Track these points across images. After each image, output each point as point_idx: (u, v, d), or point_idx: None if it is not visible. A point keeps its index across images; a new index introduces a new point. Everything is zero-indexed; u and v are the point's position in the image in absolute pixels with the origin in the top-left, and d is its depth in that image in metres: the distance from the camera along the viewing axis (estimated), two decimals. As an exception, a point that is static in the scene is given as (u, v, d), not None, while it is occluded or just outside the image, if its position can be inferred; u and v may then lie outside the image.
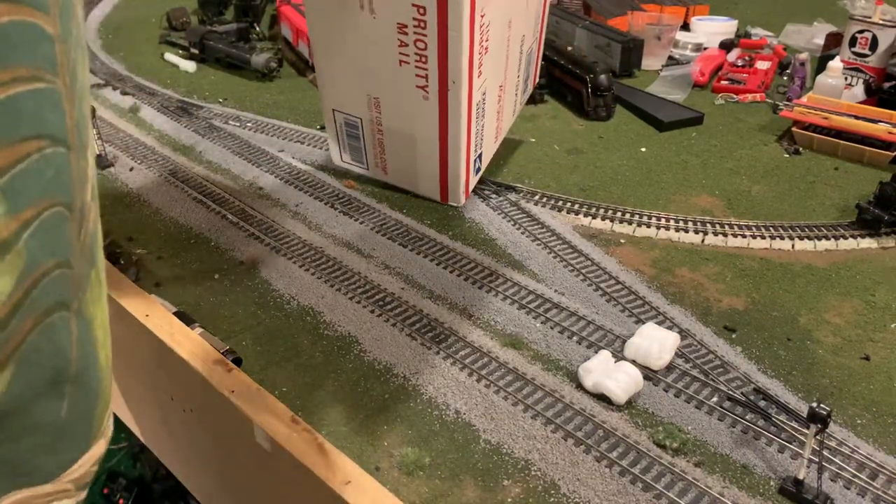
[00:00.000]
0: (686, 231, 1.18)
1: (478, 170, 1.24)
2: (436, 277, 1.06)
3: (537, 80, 1.48)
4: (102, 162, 1.37)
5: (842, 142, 1.40)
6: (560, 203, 1.25)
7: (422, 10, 1.00)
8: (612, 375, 0.85)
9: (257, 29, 2.08)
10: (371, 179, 1.31)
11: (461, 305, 1.01)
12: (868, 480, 0.76)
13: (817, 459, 0.74)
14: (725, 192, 1.29)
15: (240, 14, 2.09)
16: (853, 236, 1.16)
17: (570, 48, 1.72)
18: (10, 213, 0.35)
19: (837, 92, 1.50)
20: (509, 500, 0.75)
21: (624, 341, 0.93)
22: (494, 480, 0.76)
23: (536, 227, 1.18)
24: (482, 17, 1.02)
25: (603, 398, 0.86)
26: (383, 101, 1.15)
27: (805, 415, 0.73)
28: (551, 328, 0.97)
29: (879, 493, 0.75)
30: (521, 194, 1.27)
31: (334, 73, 1.18)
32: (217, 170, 1.37)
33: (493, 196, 1.26)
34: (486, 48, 1.08)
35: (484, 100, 1.14)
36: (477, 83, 1.09)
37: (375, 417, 0.84)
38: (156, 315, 0.92)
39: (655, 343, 0.90)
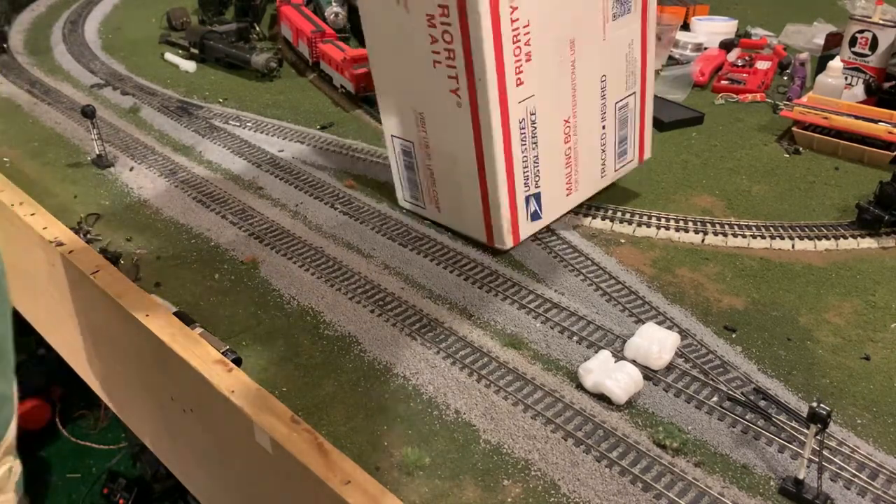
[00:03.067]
0: (686, 231, 1.18)
1: (534, 215, 1.11)
2: (436, 277, 1.06)
3: (646, 152, 1.27)
4: (102, 162, 1.37)
5: (842, 142, 1.40)
6: (560, 203, 1.25)
7: None
8: (612, 375, 0.85)
9: (257, 29, 2.08)
10: (433, 223, 1.19)
11: (461, 305, 1.01)
12: (868, 480, 0.76)
13: (817, 459, 0.74)
14: (725, 192, 1.29)
15: (240, 14, 2.08)
16: (853, 236, 1.16)
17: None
18: None
19: (837, 92, 1.50)
20: (509, 500, 0.75)
21: (624, 341, 0.93)
22: (494, 480, 0.76)
23: (536, 227, 1.18)
24: (512, 8, 0.94)
25: (603, 398, 0.86)
26: (426, 115, 1.07)
27: (805, 415, 0.73)
28: (551, 328, 0.97)
29: (879, 493, 0.75)
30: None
31: (388, 91, 1.12)
32: (217, 170, 1.37)
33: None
34: (529, 56, 0.98)
35: (534, 122, 1.03)
36: (515, 93, 0.99)
37: (375, 417, 0.84)
38: (156, 315, 0.92)
39: (655, 343, 0.90)
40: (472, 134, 1.02)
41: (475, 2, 0.91)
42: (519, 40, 0.97)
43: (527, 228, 1.11)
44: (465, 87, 0.99)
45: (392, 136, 1.15)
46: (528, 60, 0.99)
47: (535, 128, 1.04)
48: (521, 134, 1.03)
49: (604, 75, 1.11)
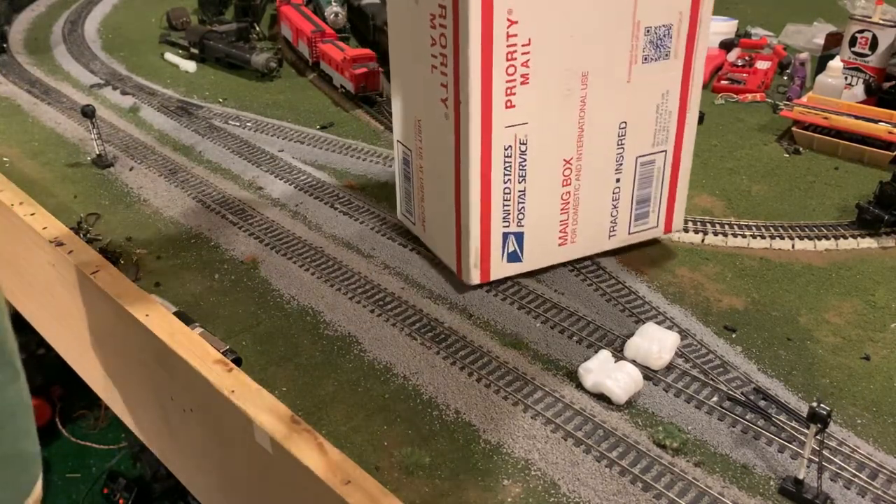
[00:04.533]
0: (686, 231, 1.18)
1: (512, 255, 1.01)
2: (436, 277, 1.06)
3: (675, 222, 1.12)
4: (102, 162, 1.37)
5: (842, 141, 1.40)
6: (560, 203, 1.24)
7: None
8: (612, 375, 0.85)
9: (257, 29, 2.08)
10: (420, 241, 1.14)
11: (461, 305, 1.01)
12: (868, 480, 0.76)
13: (817, 459, 0.74)
14: (725, 192, 1.29)
15: (240, 14, 2.09)
16: (853, 236, 1.16)
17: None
18: None
19: (837, 92, 1.50)
20: (509, 500, 0.75)
21: (624, 341, 0.93)
22: (494, 480, 0.76)
23: (536, 227, 1.18)
24: (510, 21, 0.87)
25: (603, 398, 0.86)
26: (423, 123, 1.01)
27: (805, 415, 0.73)
28: (551, 328, 0.97)
29: (879, 493, 0.74)
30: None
31: (398, 93, 1.07)
32: (217, 170, 1.37)
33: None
34: (525, 78, 0.91)
35: (523, 153, 0.95)
36: (502, 115, 0.91)
37: (375, 417, 0.84)
38: (156, 315, 0.92)
39: (655, 343, 0.90)
40: (454, 150, 0.95)
41: (466, 4, 0.85)
42: (515, 59, 0.89)
43: (500, 269, 1.01)
44: (452, 98, 0.92)
45: (398, 140, 1.10)
46: (523, 83, 0.91)
47: (525, 159, 0.96)
48: (506, 162, 0.95)
49: (623, 122, 1.00)
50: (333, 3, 1.97)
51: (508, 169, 0.95)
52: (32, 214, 1.15)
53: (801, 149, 1.44)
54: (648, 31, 0.96)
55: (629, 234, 1.09)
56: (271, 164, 1.38)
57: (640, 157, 1.04)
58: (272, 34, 2.10)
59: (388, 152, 1.41)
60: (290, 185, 1.31)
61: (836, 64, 1.51)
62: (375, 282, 1.05)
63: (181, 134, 1.50)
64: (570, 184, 1.00)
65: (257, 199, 1.26)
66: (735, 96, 1.68)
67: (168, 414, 0.99)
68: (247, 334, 0.97)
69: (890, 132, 1.35)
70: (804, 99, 1.49)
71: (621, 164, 1.03)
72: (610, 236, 1.08)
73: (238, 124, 1.54)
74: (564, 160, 0.99)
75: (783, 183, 1.33)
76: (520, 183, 0.97)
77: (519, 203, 0.98)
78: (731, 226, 1.19)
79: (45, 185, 1.32)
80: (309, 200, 1.26)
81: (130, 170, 1.37)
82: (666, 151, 1.06)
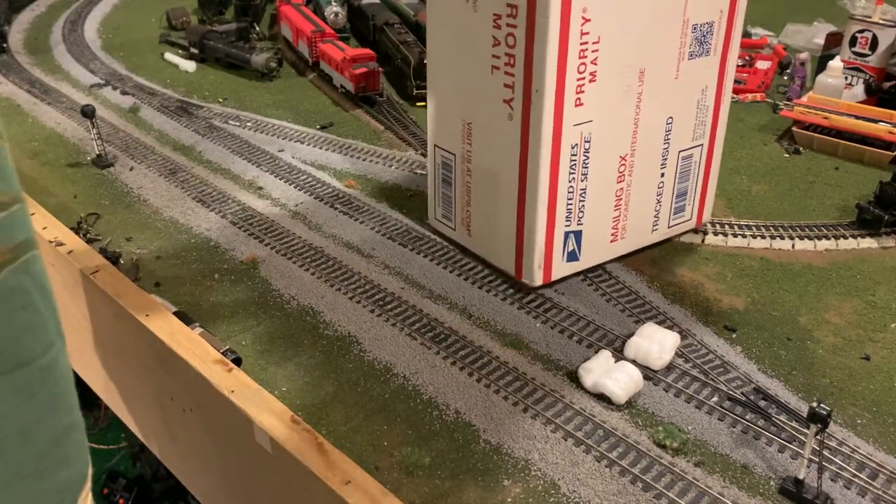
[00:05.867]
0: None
1: (571, 255, 1.02)
2: (436, 277, 1.06)
3: (706, 214, 1.16)
4: (102, 162, 1.37)
5: (842, 141, 1.40)
6: (560, 203, 1.24)
7: None
8: (612, 375, 0.86)
9: (257, 29, 2.08)
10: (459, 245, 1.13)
11: (461, 305, 1.01)
12: (868, 480, 0.76)
13: (817, 459, 0.74)
14: (725, 192, 1.29)
15: (240, 14, 2.08)
16: (853, 236, 1.16)
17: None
18: None
19: (838, 92, 1.50)
20: (509, 500, 0.75)
21: (624, 341, 0.93)
22: (494, 480, 0.76)
23: (536, 226, 1.18)
24: (584, 20, 0.88)
25: (603, 398, 0.86)
26: (475, 126, 1.00)
27: (805, 415, 0.73)
28: (551, 328, 0.97)
29: (879, 493, 0.75)
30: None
31: (440, 97, 1.06)
32: (217, 170, 1.37)
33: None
34: (593, 76, 0.91)
35: (587, 151, 0.95)
36: (572, 114, 0.92)
37: (375, 417, 0.84)
38: (156, 315, 0.92)
39: (655, 343, 0.90)
40: (519, 151, 0.94)
41: (546, 3, 0.85)
42: (586, 56, 0.90)
43: (560, 268, 1.02)
44: (520, 99, 0.92)
45: (436, 145, 1.09)
46: (591, 81, 0.92)
47: (588, 157, 0.96)
48: (572, 161, 0.95)
49: (670, 117, 1.02)
50: (333, 3, 1.97)
51: (573, 168, 0.96)
52: (32, 214, 1.14)
53: (801, 149, 1.44)
54: (695, 28, 0.99)
55: (668, 227, 1.12)
56: (271, 164, 1.38)
57: (681, 151, 1.06)
58: (272, 34, 2.10)
59: (388, 152, 1.41)
60: (290, 185, 1.31)
61: (836, 64, 1.51)
62: (375, 282, 1.05)
63: (181, 134, 1.50)
64: (623, 180, 1.02)
65: (257, 199, 1.26)
66: (735, 96, 1.68)
67: (168, 414, 0.99)
68: (247, 334, 0.97)
69: (890, 132, 1.35)
70: (804, 99, 1.49)
71: (666, 159, 1.05)
72: (653, 230, 1.10)
73: (238, 124, 1.54)
74: (620, 157, 1.00)
75: (783, 183, 1.33)
76: (582, 181, 0.98)
77: (580, 202, 0.99)
78: (731, 226, 1.19)
79: (45, 185, 1.32)
80: (309, 200, 1.26)
81: (130, 170, 1.37)
82: (702, 145, 1.09)
